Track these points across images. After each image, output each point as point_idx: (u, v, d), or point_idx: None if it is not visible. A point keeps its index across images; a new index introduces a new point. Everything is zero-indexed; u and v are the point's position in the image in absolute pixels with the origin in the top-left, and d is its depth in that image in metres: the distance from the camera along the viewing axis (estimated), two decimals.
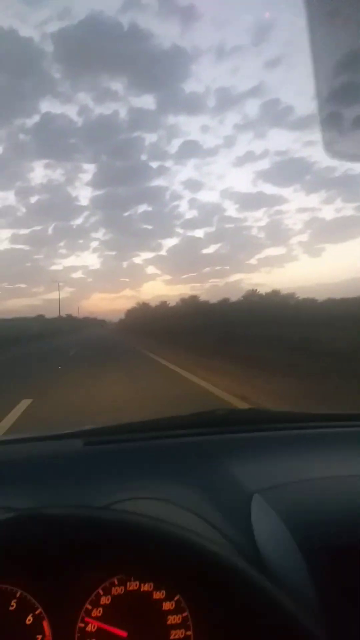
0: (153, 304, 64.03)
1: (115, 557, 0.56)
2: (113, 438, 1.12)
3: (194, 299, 45.80)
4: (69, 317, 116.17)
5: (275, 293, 35.87)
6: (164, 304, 55.98)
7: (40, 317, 77.81)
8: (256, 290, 39.33)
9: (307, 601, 0.59)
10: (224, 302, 36.08)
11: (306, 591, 0.60)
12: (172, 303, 54.54)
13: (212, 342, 15.99)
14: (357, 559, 0.63)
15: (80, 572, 0.59)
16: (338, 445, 1.09)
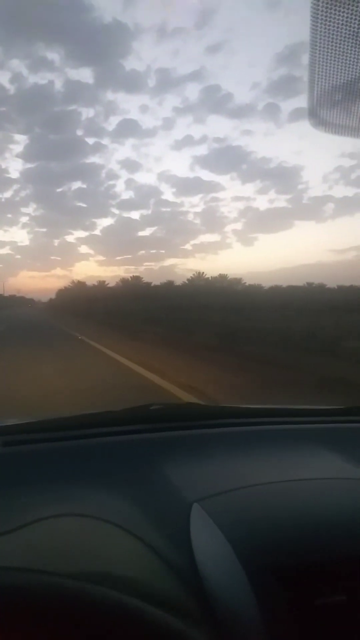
0: (90, 283, 59.42)
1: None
2: (35, 437, 1.01)
3: (136, 279, 42.94)
4: None
5: (222, 277, 34.28)
6: (102, 284, 52.25)
7: None
8: (203, 273, 37.60)
9: (249, 620, 0.55)
10: (169, 285, 33.92)
11: (248, 611, 0.56)
12: (111, 283, 51.16)
13: (162, 329, 14.32)
14: (302, 575, 0.59)
15: None
16: (284, 444, 1.04)
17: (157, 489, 0.83)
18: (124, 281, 45.21)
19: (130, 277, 46.04)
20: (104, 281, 54.43)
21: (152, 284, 36.92)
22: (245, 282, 34.58)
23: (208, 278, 36.54)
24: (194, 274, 38.47)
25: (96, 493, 0.81)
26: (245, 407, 1.30)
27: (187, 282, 36.29)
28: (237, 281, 34.44)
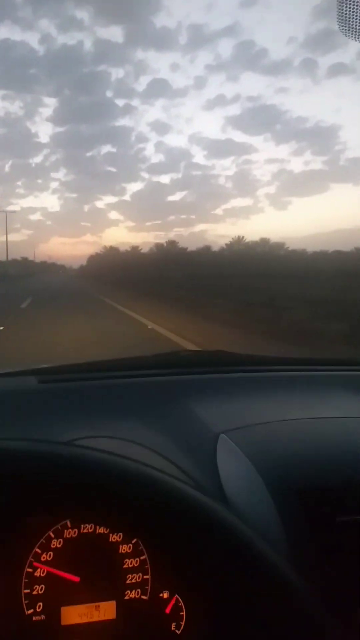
0: (122, 249, 56.99)
1: (68, 495, 0.50)
2: (71, 377, 1.06)
3: (172, 245, 40.71)
4: (24, 261, 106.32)
5: (264, 242, 31.87)
6: (135, 250, 49.87)
7: None
8: (242, 237, 35.31)
9: (273, 539, 0.57)
10: (206, 250, 31.78)
11: (273, 529, 0.59)
12: (143, 249, 48.80)
13: (229, 303, 12.22)
14: (324, 499, 0.63)
15: (29, 513, 0.54)
16: (308, 389, 1.07)
17: (186, 422, 0.85)
18: (158, 247, 43.08)
19: (166, 242, 43.65)
20: (137, 246, 52.23)
21: (188, 250, 34.78)
22: (288, 247, 32.12)
23: (248, 242, 34.27)
24: (232, 239, 36.32)
25: (128, 423, 0.84)
26: (274, 356, 1.34)
27: (225, 247, 34.14)
28: (280, 246, 32.03)
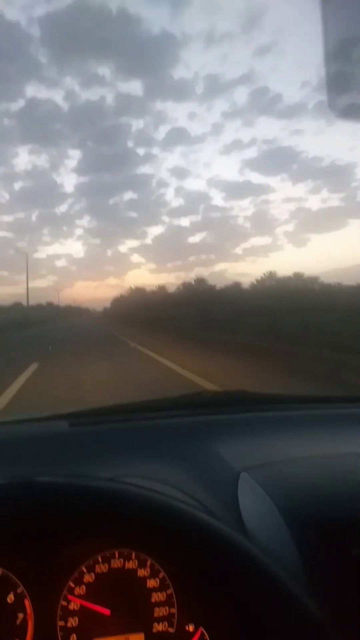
0: (149, 289, 54.63)
1: (101, 527, 0.56)
2: (99, 419, 1.10)
3: (200, 283, 39.00)
4: (49, 305, 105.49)
5: (297, 276, 30.30)
6: (162, 289, 47.76)
7: (17, 305, 66.53)
8: (274, 272, 33.91)
9: (291, 571, 0.58)
10: (235, 287, 30.30)
11: (291, 561, 0.60)
12: (170, 288, 46.85)
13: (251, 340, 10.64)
14: (343, 534, 0.64)
15: (64, 547, 0.58)
16: (326, 427, 1.07)
17: (209, 461, 0.87)
18: (186, 285, 40.97)
19: (194, 280, 41.62)
20: (163, 286, 50.18)
21: (217, 287, 33.48)
22: (322, 281, 30.44)
23: (280, 277, 32.74)
24: (264, 274, 34.83)
25: (152, 463, 0.85)
26: (292, 395, 1.35)
27: (255, 283, 32.71)
28: (314, 280, 30.48)
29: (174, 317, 22.65)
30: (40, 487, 0.55)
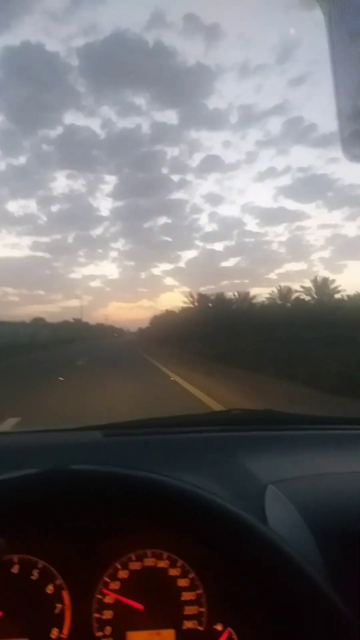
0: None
1: (137, 522, 0.58)
2: (132, 432, 1.15)
3: (245, 297, 35.03)
4: (77, 322, 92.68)
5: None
6: (195, 307, 42.09)
7: (39, 321, 59.23)
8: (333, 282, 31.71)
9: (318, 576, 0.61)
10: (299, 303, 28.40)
11: (317, 570, 0.60)
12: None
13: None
14: None
15: (101, 542, 0.62)
16: (351, 446, 1.10)
17: (237, 474, 0.89)
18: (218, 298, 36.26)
19: (238, 293, 37.78)
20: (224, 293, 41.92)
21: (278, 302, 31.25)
22: None
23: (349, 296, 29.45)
24: (332, 289, 31.65)
25: (183, 474, 0.83)
26: (318, 415, 1.35)
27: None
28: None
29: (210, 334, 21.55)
30: (80, 474, 0.57)
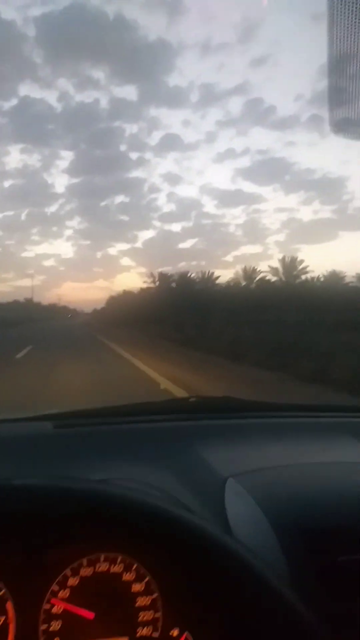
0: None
1: (86, 530, 0.57)
2: (85, 422, 1.09)
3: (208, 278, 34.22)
4: (28, 302, 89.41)
5: (333, 275, 26.72)
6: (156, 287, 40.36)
7: None
8: (300, 262, 30.81)
9: (278, 576, 0.58)
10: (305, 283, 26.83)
11: (277, 567, 0.61)
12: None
13: None
14: (330, 541, 0.65)
15: (48, 550, 0.59)
16: (312, 435, 1.09)
17: (195, 466, 0.87)
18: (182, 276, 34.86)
19: (201, 273, 36.10)
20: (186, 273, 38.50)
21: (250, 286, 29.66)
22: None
23: (316, 276, 29.19)
24: (300, 270, 30.81)
25: (138, 467, 0.85)
26: (278, 402, 1.33)
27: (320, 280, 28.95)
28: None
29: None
30: (22, 489, 0.54)
